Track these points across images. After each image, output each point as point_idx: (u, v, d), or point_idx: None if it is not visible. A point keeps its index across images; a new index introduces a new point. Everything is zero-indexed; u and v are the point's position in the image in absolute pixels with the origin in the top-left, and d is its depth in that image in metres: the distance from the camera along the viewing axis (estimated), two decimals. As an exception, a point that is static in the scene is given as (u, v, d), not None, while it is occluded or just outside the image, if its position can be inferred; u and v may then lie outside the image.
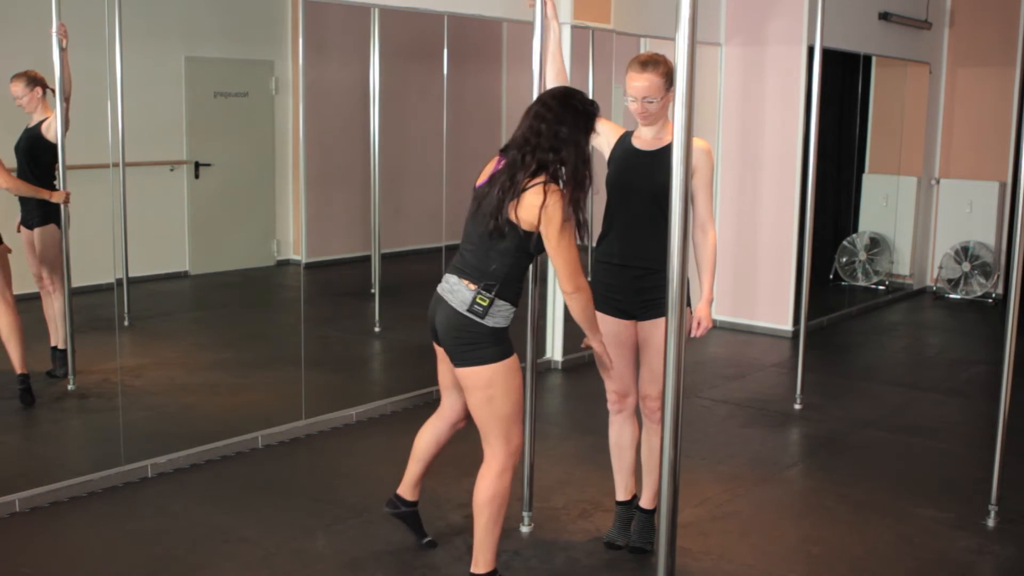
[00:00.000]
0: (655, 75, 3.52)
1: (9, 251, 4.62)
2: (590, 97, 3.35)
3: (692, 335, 3.67)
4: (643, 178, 3.60)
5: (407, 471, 3.77)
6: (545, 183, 3.14)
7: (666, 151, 3.54)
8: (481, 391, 3.25)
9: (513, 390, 3.26)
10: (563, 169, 3.18)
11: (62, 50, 4.35)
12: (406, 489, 3.78)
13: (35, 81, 4.59)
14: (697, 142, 3.54)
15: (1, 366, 4.79)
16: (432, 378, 5.71)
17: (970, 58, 9.12)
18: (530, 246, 3.21)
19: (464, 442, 3.93)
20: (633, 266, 3.63)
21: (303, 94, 5.66)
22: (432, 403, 5.55)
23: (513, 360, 3.27)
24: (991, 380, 6.24)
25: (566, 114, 3.20)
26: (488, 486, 3.29)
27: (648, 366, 3.71)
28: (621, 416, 3.86)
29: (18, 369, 4.66)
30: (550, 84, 3.72)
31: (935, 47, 9.07)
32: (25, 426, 4.75)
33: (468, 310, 3.20)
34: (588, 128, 3.25)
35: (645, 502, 3.88)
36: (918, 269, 9.32)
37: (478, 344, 3.22)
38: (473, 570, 3.37)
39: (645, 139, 3.66)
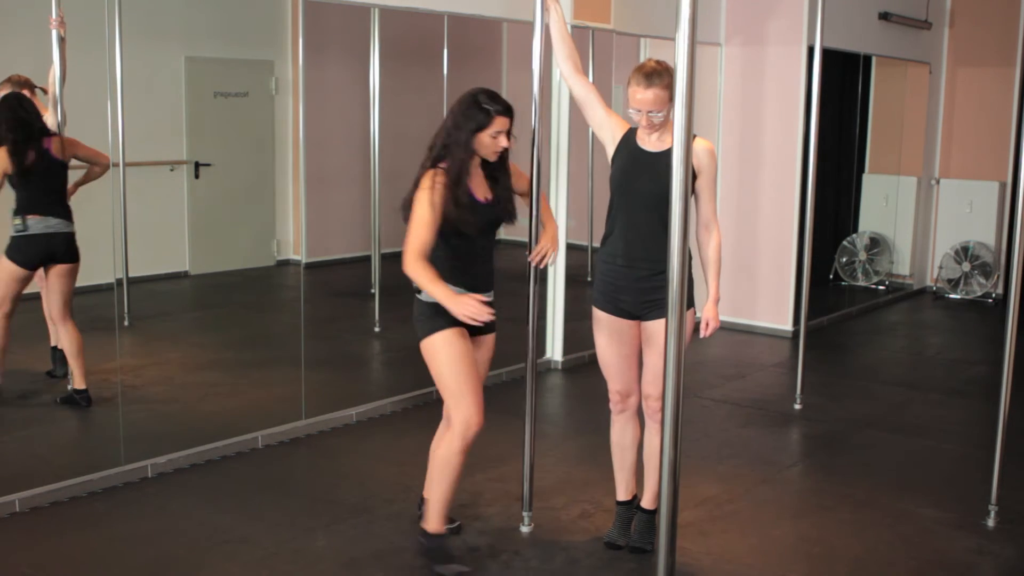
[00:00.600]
0: (660, 88, 3.49)
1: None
2: (503, 97, 3.52)
3: (700, 335, 3.67)
4: (648, 179, 3.58)
5: None
6: (433, 171, 3.42)
7: (672, 153, 3.53)
8: (428, 364, 3.52)
9: (447, 363, 3.45)
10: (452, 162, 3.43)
11: (61, 40, 4.34)
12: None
13: (21, 84, 4.57)
14: (701, 142, 3.55)
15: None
16: (431, 378, 5.76)
17: (970, 58, 9.12)
18: (444, 227, 3.40)
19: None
20: (637, 267, 3.62)
21: (303, 94, 5.66)
22: (432, 403, 5.58)
23: (446, 333, 3.45)
24: (991, 380, 6.23)
25: (461, 114, 3.45)
26: (442, 446, 3.54)
27: (650, 366, 3.70)
28: (623, 416, 3.85)
29: (79, 385, 4.73)
30: (562, 66, 3.78)
31: (935, 47, 9.07)
32: (25, 426, 4.74)
33: (414, 289, 3.49)
34: (481, 125, 3.42)
35: (646, 502, 3.88)
36: (918, 269, 9.31)
37: (418, 320, 3.51)
38: (421, 524, 3.63)
39: (650, 139, 3.64)
